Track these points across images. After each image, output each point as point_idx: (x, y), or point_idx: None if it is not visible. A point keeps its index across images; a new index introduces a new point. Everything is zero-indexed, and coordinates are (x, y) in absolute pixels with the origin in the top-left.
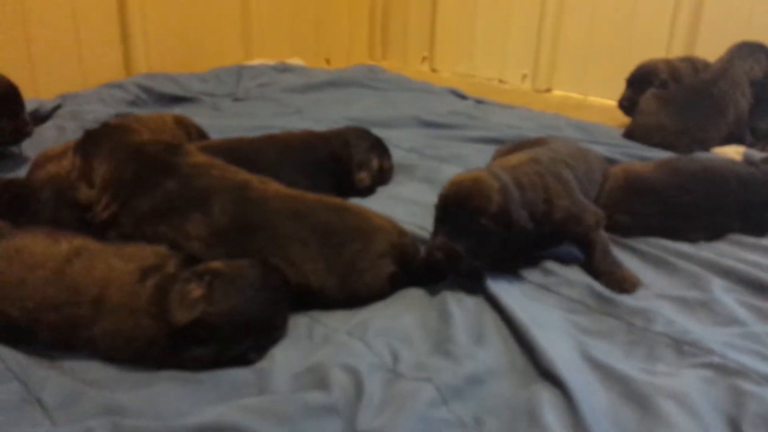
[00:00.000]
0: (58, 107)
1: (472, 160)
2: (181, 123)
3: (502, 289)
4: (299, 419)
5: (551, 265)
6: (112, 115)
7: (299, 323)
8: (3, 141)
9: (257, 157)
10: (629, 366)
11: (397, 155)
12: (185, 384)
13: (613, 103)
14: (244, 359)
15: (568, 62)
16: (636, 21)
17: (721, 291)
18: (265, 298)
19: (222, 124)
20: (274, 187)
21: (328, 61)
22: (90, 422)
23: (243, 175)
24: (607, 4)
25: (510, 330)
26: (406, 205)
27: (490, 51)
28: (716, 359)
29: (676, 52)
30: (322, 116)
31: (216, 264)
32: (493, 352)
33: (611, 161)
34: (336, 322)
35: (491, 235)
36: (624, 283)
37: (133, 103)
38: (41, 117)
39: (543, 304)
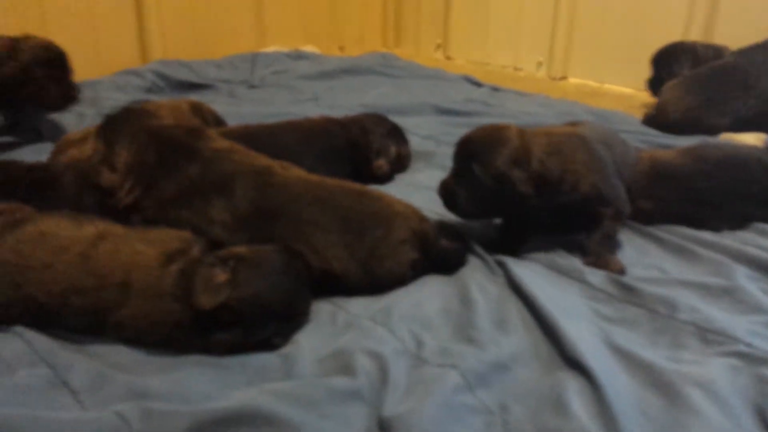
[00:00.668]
0: None
1: None
2: (198, 109)
3: (525, 275)
4: (325, 404)
5: (570, 253)
6: (129, 102)
7: (322, 309)
8: (51, 106)
9: (276, 143)
10: (654, 354)
11: (414, 142)
12: (211, 368)
13: (629, 90)
14: (268, 344)
15: (584, 49)
16: (652, 7)
17: (745, 279)
18: (288, 284)
19: (238, 111)
20: (296, 172)
21: (341, 49)
22: (119, 406)
23: (264, 160)
24: None
25: (533, 317)
26: (424, 192)
27: (504, 38)
28: (742, 347)
29: (694, 39)
30: (338, 103)
31: (239, 249)
32: (517, 339)
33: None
34: (358, 308)
35: (485, 187)
36: (607, 267)
37: (149, 90)
38: None
39: (566, 291)
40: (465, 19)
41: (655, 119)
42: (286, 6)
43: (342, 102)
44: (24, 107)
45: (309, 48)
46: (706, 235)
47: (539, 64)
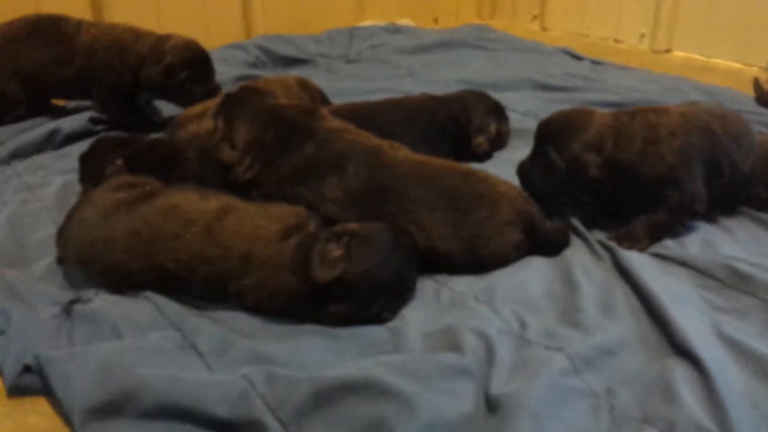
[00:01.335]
0: None
1: None
2: (305, 86)
3: (633, 260)
4: (436, 378)
5: (675, 239)
6: (236, 76)
7: (426, 286)
8: None
9: (381, 121)
10: (765, 345)
11: (513, 119)
12: (325, 338)
13: (738, 65)
14: (378, 318)
15: (690, 21)
16: None
17: None
18: (398, 260)
19: (337, 86)
20: (404, 152)
21: (436, 21)
22: (244, 369)
23: (374, 140)
24: None
25: (640, 302)
26: None
27: (604, 8)
28: None
29: None
30: (435, 78)
31: (352, 225)
32: (623, 325)
33: None
34: (462, 286)
35: (559, 170)
36: (625, 242)
37: (253, 64)
38: None
39: (675, 277)
40: None
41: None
42: None
43: (439, 77)
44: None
45: (404, 21)
46: None
47: (642, 35)
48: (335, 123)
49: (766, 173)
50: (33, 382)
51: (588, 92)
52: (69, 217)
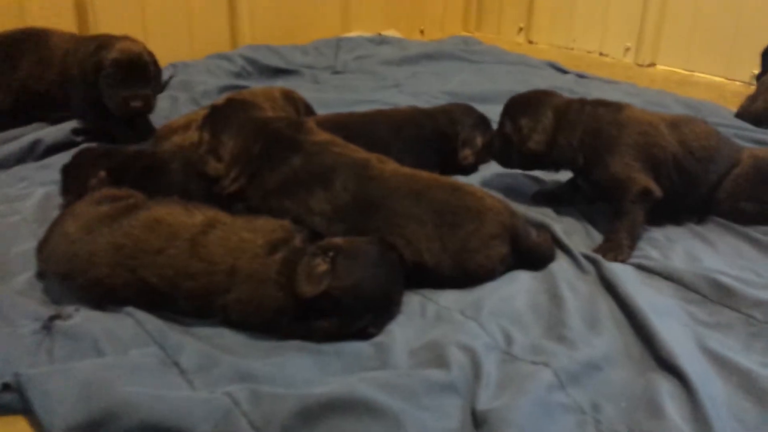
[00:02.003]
0: (170, 78)
1: None
2: (290, 97)
3: (617, 273)
4: (422, 395)
5: (659, 251)
6: (221, 86)
7: (412, 300)
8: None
9: (366, 133)
10: (748, 359)
11: None
12: (310, 354)
13: (720, 80)
14: (364, 333)
15: (674, 35)
16: None
17: None
18: (384, 275)
19: (323, 97)
20: (392, 166)
21: (422, 32)
22: (228, 387)
23: (362, 153)
24: None
25: (625, 316)
26: (508, 184)
27: (590, 22)
28: None
29: None
30: (420, 90)
31: (339, 240)
32: (609, 339)
33: None
34: (448, 301)
35: (511, 139)
36: (608, 253)
37: (238, 74)
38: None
39: (659, 291)
40: (549, 1)
41: (749, 113)
42: None
43: (424, 89)
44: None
45: (391, 32)
46: None
47: (627, 49)
48: (323, 136)
49: (750, 188)
50: (12, 400)
51: None
52: (50, 230)
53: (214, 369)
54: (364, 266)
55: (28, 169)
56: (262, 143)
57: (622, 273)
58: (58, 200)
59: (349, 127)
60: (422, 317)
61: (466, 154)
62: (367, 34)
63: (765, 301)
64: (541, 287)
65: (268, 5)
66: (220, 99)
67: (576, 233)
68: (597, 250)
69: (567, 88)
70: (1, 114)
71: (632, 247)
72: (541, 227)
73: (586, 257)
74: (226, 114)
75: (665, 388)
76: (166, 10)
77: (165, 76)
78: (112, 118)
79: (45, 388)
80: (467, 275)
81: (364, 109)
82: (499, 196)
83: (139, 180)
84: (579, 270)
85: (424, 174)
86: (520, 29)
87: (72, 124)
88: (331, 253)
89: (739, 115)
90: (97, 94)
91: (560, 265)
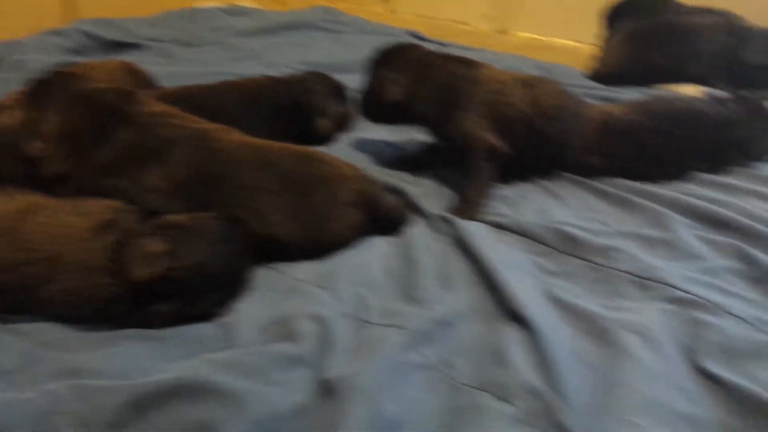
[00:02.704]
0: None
1: None
2: (130, 70)
3: (470, 232)
4: (268, 371)
5: (511, 208)
6: (55, 64)
7: (265, 276)
8: None
9: (217, 105)
10: (593, 303)
11: (358, 101)
12: (148, 342)
13: (576, 44)
14: (207, 314)
15: (531, 3)
16: None
17: (682, 228)
18: (229, 252)
19: (173, 71)
20: (238, 136)
21: (283, 3)
22: (52, 385)
23: (204, 124)
24: None
25: (478, 273)
26: (368, 151)
27: None
28: (677, 293)
29: None
30: (279, 61)
31: (178, 217)
32: (462, 296)
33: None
34: (301, 273)
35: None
36: (461, 212)
37: (76, 51)
38: None
39: (510, 246)
40: None
41: (598, 73)
42: None
43: (283, 60)
44: None
45: (247, 2)
46: (649, 187)
47: (486, 17)
48: (158, 107)
49: (601, 143)
50: None
51: None
52: None
53: (38, 366)
54: (206, 243)
55: None
56: (89, 118)
57: (475, 231)
58: None
59: (196, 99)
60: (275, 292)
61: (323, 123)
62: (222, 4)
63: (608, 248)
64: (396, 252)
65: None
66: (45, 72)
67: (433, 196)
68: (451, 211)
69: None
70: None
71: (484, 205)
72: (398, 192)
73: (442, 218)
74: (49, 88)
75: (513, 337)
76: None
77: None
78: None
79: None
80: (322, 245)
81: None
82: (358, 163)
83: None
84: (434, 232)
85: (275, 144)
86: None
87: None
88: (168, 232)
89: (590, 75)
90: None
91: (416, 229)
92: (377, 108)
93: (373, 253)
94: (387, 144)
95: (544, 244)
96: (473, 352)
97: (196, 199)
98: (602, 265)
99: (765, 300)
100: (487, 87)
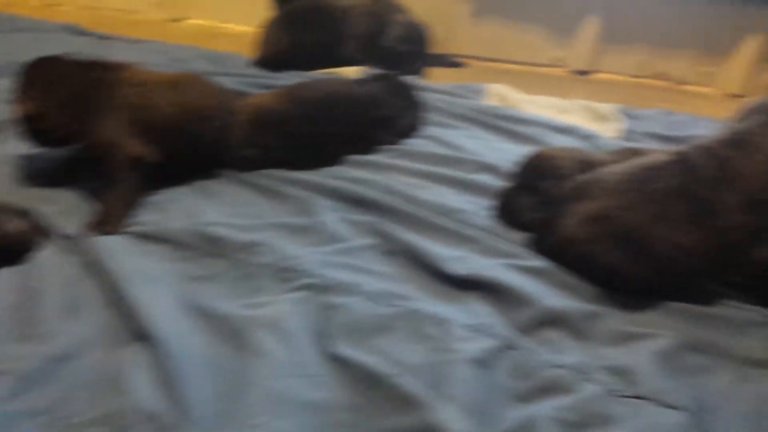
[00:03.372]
0: None
1: None
2: None
3: (106, 248)
4: None
5: (159, 215)
6: None
7: None
8: None
9: None
10: (234, 304)
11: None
12: None
13: (248, 29)
14: None
15: None
16: None
17: (326, 211)
18: None
19: None
20: None
21: None
22: None
23: None
24: None
25: (110, 294)
26: (3, 167)
27: None
28: (312, 280)
29: None
30: None
31: None
32: (88, 323)
33: (243, 94)
34: None
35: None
36: (98, 227)
37: None
38: None
39: (150, 257)
40: None
41: (261, 59)
42: None
43: None
44: None
45: None
46: (298, 174)
47: (156, 5)
48: None
49: (254, 135)
50: None
51: None
52: None
53: None
54: None
55: None
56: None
57: (112, 247)
58: None
59: None
60: None
61: None
62: None
63: (253, 243)
64: (17, 284)
65: None
66: None
67: (73, 213)
68: (88, 227)
69: (87, 51)
70: None
71: (125, 216)
72: (23, 214)
73: (75, 237)
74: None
75: (137, 360)
76: None
77: None
78: None
79: None
80: None
81: None
82: None
83: None
84: (65, 254)
85: None
86: None
87: None
88: None
89: (255, 62)
90: None
91: (44, 254)
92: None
93: None
94: (25, 158)
95: (187, 248)
96: (92, 384)
97: None
98: (245, 261)
99: (397, 272)
100: (129, 91)
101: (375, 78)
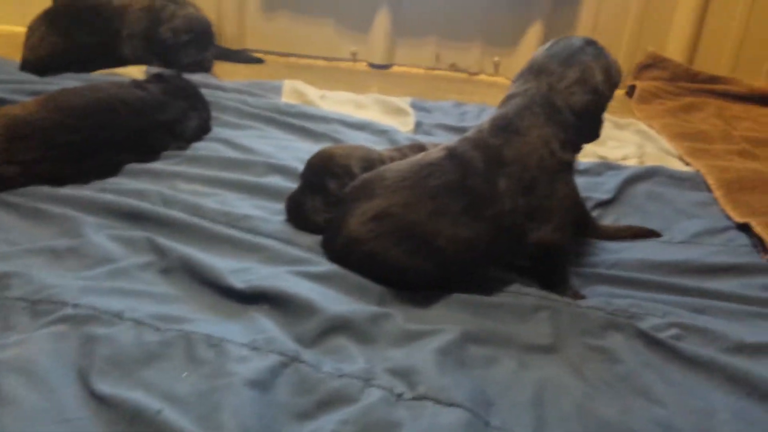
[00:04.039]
0: None
1: None
2: None
3: None
4: None
5: None
6: None
7: None
8: None
9: None
10: None
11: None
12: None
13: (17, 29)
14: None
15: None
16: None
17: (95, 230)
18: None
19: None
20: None
21: None
22: None
23: None
24: None
25: None
26: None
27: None
28: (69, 310)
29: None
30: None
31: None
32: None
33: (5, 102)
34: None
35: None
36: None
37: None
38: None
39: None
40: None
41: (28, 62)
42: None
43: None
44: None
45: None
46: (66, 191)
47: None
48: None
49: (8, 151)
50: None
51: None
52: None
53: None
54: None
55: None
56: None
57: None
58: None
59: None
60: None
61: None
62: None
63: (6, 274)
64: None
65: None
66: None
67: None
68: None
69: None
70: None
71: None
72: None
73: None
74: None
75: None
76: None
77: None
78: None
79: None
80: None
81: None
82: None
83: None
84: None
85: None
86: None
87: None
88: None
89: (21, 66)
90: None
91: None
92: None
93: None
94: None
95: None
96: None
97: None
98: None
99: (174, 291)
100: None
101: (156, 78)
